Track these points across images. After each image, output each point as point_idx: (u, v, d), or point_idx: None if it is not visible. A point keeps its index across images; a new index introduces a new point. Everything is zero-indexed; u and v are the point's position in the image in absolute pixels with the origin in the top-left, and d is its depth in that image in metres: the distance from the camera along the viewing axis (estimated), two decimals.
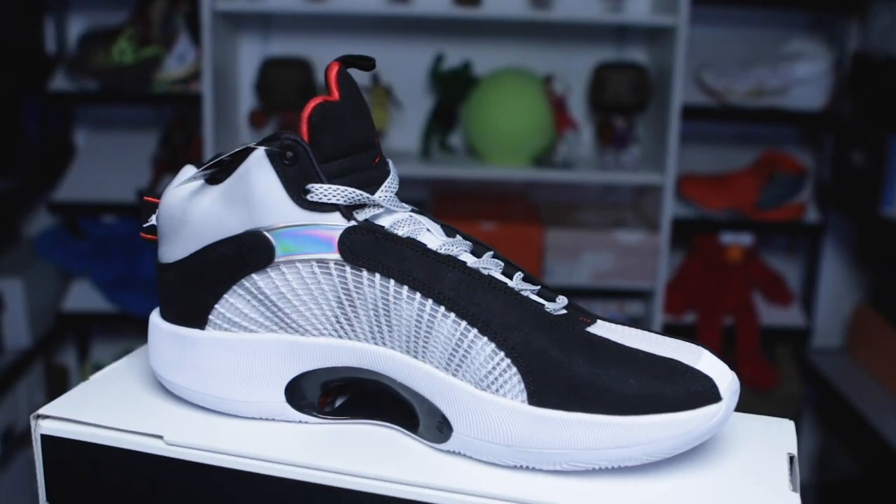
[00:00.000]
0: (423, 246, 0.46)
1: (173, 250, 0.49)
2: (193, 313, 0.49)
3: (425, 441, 0.48)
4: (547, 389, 0.44)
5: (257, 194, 0.46)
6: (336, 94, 0.47)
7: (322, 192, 0.46)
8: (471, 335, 0.45)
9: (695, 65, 1.94)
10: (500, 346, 0.44)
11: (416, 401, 0.47)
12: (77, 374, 2.07)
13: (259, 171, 0.46)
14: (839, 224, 2.10)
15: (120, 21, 1.89)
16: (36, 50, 1.95)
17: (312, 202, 0.46)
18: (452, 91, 1.89)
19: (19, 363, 1.85)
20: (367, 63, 0.49)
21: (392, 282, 0.45)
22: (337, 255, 0.46)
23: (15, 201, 1.99)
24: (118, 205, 1.86)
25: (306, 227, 0.46)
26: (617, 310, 1.92)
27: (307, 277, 0.47)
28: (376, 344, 0.47)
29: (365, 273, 0.46)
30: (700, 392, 0.43)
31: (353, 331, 0.47)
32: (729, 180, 1.93)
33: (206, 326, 0.49)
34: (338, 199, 0.46)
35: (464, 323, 0.45)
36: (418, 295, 0.45)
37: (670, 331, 2.04)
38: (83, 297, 1.93)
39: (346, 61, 0.48)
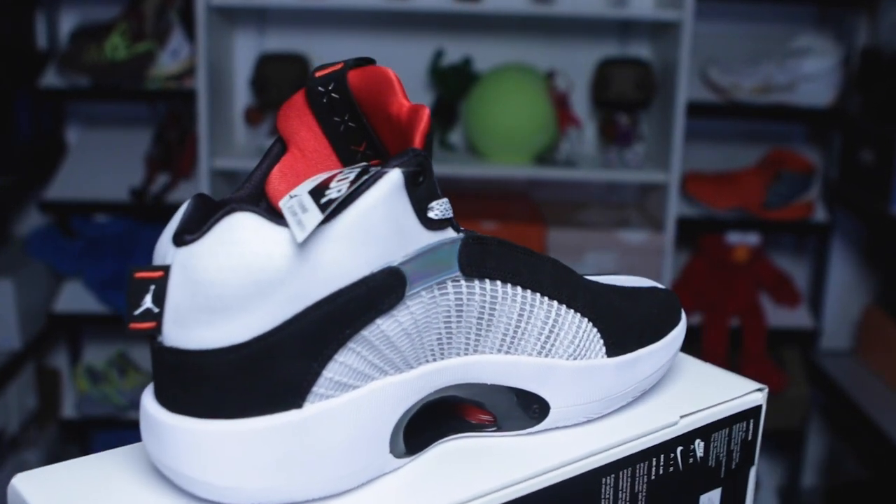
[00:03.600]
0: (505, 241, 0.46)
1: (245, 325, 0.38)
2: (286, 393, 0.40)
3: (510, 433, 0.48)
4: (617, 339, 0.49)
5: (392, 223, 0.40)
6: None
7: (441, 207, 0.43)
8: (562, 312, 0.47)
9: (700, 61, 1.91)
10: (583, 314, 0.48)
11: (502, 396, 0.47)
12: (68, 377, 2.04)
13: (395, 197, 0.40)
14: (848, 223, 2.07)
15: (112, 16, 1.87)
16: (26, 45, 1.92)
17: (434, 220, 0.43)
18: (452, 87, 1.86)
19: (9, 365, 1.82)
20: (369, 63, 0.46)
21: (498, 283, 0.45)
22: (456, 272, 0.44)
23: (5, 200, 1.96)
24: (111, 204, 1.83)
25: (432, 250, 0.43)
26: None
27: (428, 305, 0.43)
28: (468, 354, 0.45)
29: (476, 283, 0.45)
30: (677, 303, 0.53)
31: (450, 349, 0.45)
32: (735, 179, 1.90)
33: (305, 403, 0.40)
34: (450, 213, 0.43)
35: (555, 303, 0.47)
36: (519, 289, 0.46)
37: None
38: (75, 297, 1.90)
39: (360, 62, 0.45)
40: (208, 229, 0.38)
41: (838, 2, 1.98)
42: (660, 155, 1.83)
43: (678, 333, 0.52)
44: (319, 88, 0.44)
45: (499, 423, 0.48)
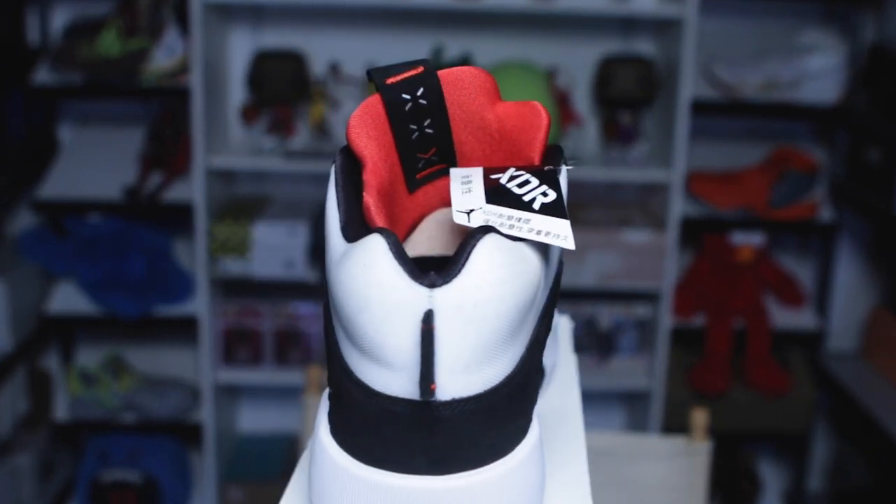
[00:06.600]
0: None
1: (514, 351, 0.36)
2: (529, 412, 0.38)
3: None
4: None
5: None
6: None
7: None
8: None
9: (704, 58, 1.88)
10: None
11: None
12: (61, 379, 2.01)
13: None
14: (854, 223, 2.04)
15: (106, 12, 1.84)
16: (18, 42, 1.90)
17: None
18: None
19: (1, 367, 1.79)
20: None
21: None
22: None
23: None
24: (104, 203, 1.81)
25: None
26: (624, 312, 1.86)
27: None
28: None
29: None
30: None
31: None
32: (739, 178, 1.88)
33: (533, 416, 0.39)
34: None
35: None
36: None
37: (679, 333, 1.98)
38: (67, 298, 1.87)
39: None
40: (465, 262, 0.34)
41: None
42: (663, 153, 1.80)
43: None
44: (404, 96, 0.40)
45: None
